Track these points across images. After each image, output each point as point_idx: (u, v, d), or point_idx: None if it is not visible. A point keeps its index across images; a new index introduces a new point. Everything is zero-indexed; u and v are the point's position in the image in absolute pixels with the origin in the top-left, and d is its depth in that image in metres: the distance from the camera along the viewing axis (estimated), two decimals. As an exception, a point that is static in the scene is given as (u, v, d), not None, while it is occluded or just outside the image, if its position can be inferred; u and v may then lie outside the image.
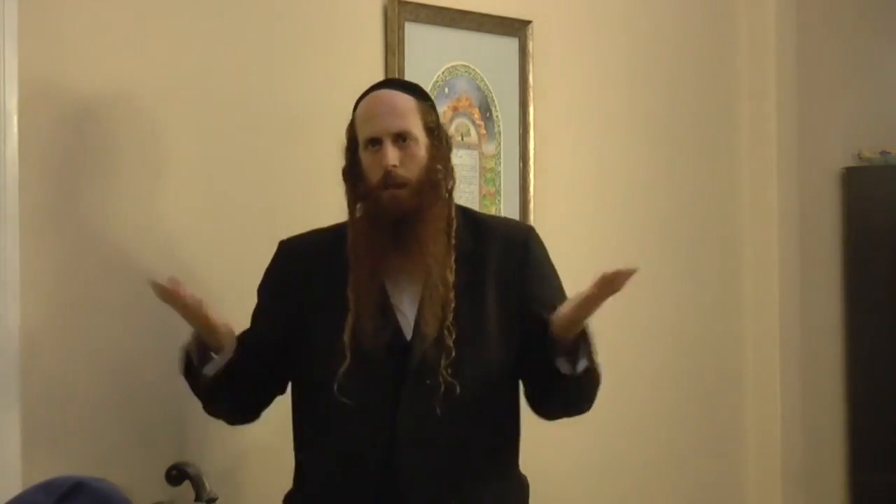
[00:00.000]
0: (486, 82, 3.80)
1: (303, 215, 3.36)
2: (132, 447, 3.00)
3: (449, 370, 2.73)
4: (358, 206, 2.84)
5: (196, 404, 2.90)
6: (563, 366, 2.72)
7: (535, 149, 3.92)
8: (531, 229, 2.99)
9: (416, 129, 2.80)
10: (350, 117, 2.89)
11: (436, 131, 2.84)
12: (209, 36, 3.20)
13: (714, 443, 4.56)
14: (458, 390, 2.73)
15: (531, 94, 3.90)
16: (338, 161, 3.44)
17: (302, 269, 2.88)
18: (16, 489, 2.61)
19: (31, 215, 2.86)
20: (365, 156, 2.82)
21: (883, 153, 5.08)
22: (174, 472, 2.98)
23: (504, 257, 2.87)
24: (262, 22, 3.31)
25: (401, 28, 3.57)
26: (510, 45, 3.88)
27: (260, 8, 3.31)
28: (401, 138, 2.78)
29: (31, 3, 2.87)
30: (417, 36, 3.61)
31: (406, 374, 2.76)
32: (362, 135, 2.82)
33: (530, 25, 3.92)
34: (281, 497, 2.94)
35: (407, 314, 2.80)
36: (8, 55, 2.83)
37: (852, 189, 5.05)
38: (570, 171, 4.08)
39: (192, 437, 3.12)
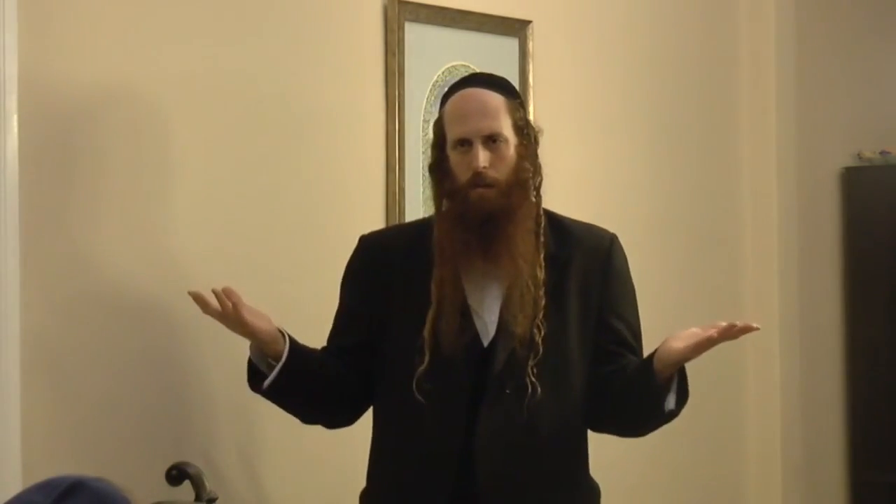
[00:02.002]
0: (487, 82, 3.79)
1: (303, 216, 3.36)
2: (132, 447, 3.00)
3: (535, 370, 2.70)
4: (444, 203, 2.78)
5: (196, 404, 2.90)
6: (668, 403, 2.75)
7: (535, 149, 3.91)
8: (615, 238, 2.91)
9: (506, 129, 2.75)
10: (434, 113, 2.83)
11: (525, 129, 2.79)
12: (209, 36, 3.20)
13: (714, 443, 4.56)
14: (539, 393, 2.70)
15: (531, 94, 3.90)
16: (337, 161, 3.46)
17: (383, 264, 2.83)
18: (16, 489, 2.60)
19: (31, 215, 2.86)
20: (454, 154, 2.76)
21: (883, 153, 5.08)
22: (174, 472, 2.97)
23: (587, 264, 2.83)
24: (262, 22, 3.31)
25: (401, 28, 3.57)
26: (510, 45, 3.88)
27: (260, 8, 3.31)
28: (491, 140, 2.73)
29: (30, 2, 2.87)
30: (417, 36, 3.61)
31: (486, 381, 2.72)
32: (452, 134, 2.76)
33: (530, 25, 3.91)
34: (279, 497, 2.93)
35: (485, 318, 2.76)
36: (8, 55, 2.83)
37: (852, 189, 5.05)
38: (569, 171, 4.08)
39: (192, 437, 3.12)
